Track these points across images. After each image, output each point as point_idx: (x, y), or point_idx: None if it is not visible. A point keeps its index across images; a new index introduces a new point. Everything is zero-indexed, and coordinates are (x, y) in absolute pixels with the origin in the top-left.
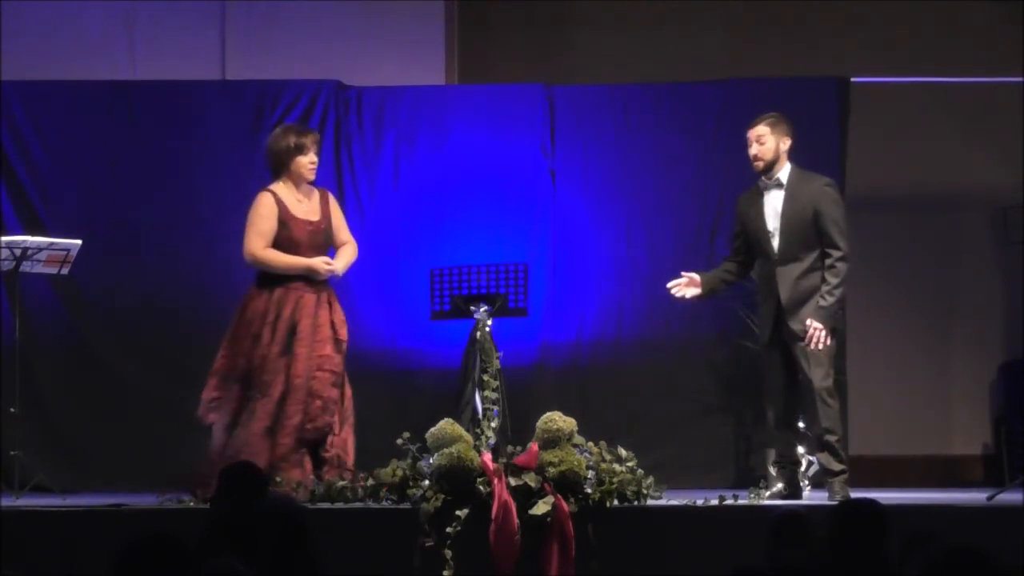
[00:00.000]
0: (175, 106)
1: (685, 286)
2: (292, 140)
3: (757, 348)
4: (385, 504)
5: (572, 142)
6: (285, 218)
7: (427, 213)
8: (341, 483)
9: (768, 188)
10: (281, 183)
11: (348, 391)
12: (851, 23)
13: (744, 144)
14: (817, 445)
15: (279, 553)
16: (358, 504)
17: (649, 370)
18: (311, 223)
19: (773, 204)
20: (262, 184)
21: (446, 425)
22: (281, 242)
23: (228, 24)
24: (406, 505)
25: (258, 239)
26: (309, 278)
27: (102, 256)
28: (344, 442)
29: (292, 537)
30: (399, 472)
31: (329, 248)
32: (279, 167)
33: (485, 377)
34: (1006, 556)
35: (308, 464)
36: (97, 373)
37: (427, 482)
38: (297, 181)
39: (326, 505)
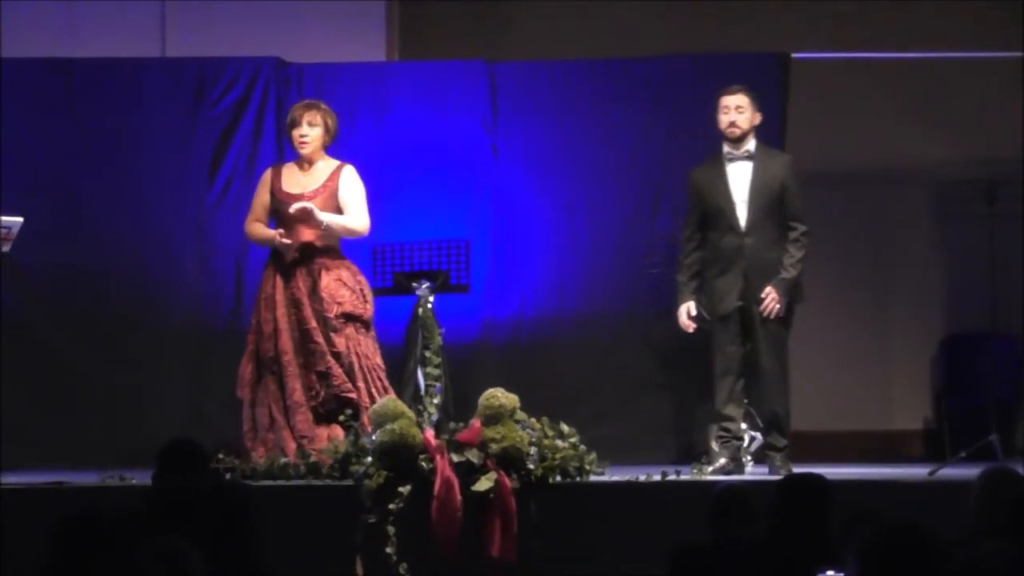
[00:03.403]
0: (114, 84)
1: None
2: (290, 115)
3: (709, 321)
4: (327, 481)
5: (513, 118)
6: (274, 191)
7: (368, 190)
8: (283, 460)
9: (734, 159)
10: (296, 159)
11: (359, 367)
12: None
13: (690, 119)
14: (767, 420)
15: (220, 530)
16: (300, 481)
17: (591, 346)
18: (294, 196)
19: (740, 175)
20: (199, 160)
21: (388, 402)
22: (273, 215)
23: (168, 0)
24: (348, 482)
25: (249, 214)
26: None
27: (41, 235)
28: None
29: (233, 514)
30: (341, 449)
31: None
32: (291, 143)
33: (427, 354)
34: (947, 532)
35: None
36: (37, 352)
37: (369, 459)
38: (301, 156)
39: (268, 482)
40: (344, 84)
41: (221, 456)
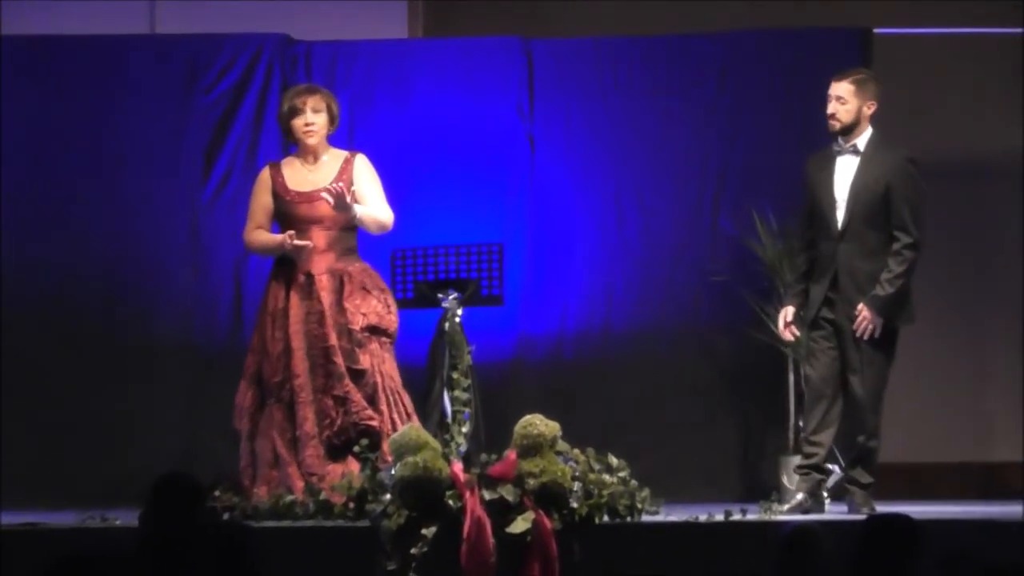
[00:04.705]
0: (99, 64)
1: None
2: (287, 103)
3: (770, 339)
4: (340, 522)
5: (554, 104)
6: (278, 190)
7: (387, 185)
8: (290, 497)
9: (842, 153)
10: (295, 153)
11: (383, 388)
12: None
13: (758, 105)
14: (853, 453)
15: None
16: (309, 521)
17: (644, 365)
18: (305, 194)
19: (845, 171)
20: (193, 151)
21: (410, 430)
22: (279, 218)
23: None
24: (364, 523)
25: (249, 221)
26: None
27: (15, 231)
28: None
29: (230, 558)
30: (356, 484)
31: (344, 219)
32: (286, 135)
33: (455, 375)
34: None
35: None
36: (6, 369)
37: (388, 496)
38: (303, 148)
39: (272, 523)
40: (360, 64)
41: (218, 493)
